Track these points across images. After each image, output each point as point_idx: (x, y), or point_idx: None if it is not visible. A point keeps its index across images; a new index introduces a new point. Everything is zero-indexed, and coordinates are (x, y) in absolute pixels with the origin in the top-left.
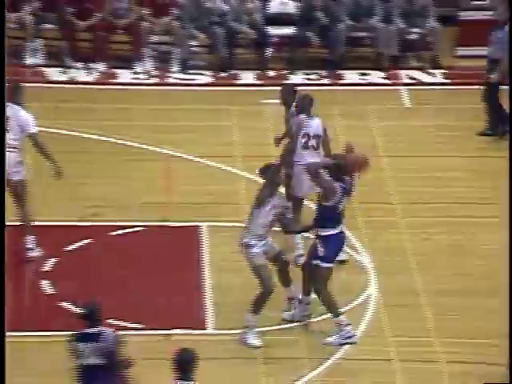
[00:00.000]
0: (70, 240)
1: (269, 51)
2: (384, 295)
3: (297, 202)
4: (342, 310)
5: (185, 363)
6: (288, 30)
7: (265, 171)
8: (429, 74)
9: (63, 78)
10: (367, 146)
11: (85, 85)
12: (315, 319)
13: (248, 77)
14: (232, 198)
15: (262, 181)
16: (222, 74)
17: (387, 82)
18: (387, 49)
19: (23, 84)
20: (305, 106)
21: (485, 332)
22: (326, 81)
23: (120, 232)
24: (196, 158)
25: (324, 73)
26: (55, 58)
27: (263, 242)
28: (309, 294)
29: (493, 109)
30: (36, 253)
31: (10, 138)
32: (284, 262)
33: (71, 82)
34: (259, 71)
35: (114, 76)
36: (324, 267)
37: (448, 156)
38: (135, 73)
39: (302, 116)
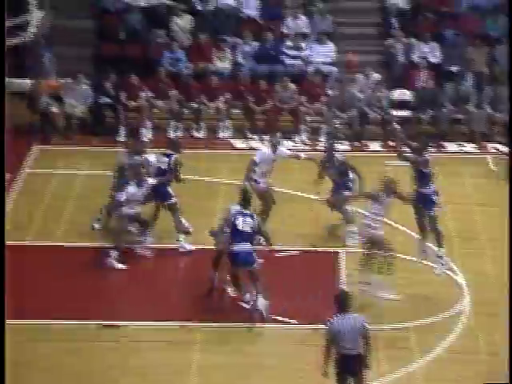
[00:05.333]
0: None
1: (391, 127)
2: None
3: None
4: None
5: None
6: (405, 112)
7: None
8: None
9: (244, 145)
10: (463, 196)
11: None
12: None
13: (375, 146)
14: None
15: None
16: (356, 143)
17: (478, 151)
18: (478, 127)
19: (217, 151)
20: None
21: None
22: (432, 149)
23: (282, 254)
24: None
25: (432, 143)
26: (239, 132)
27: None
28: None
29: None
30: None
31: None
32: None
33: (250, 148)
34: (384, 142)
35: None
36: None
37: None
38: (294, 142)
39: None
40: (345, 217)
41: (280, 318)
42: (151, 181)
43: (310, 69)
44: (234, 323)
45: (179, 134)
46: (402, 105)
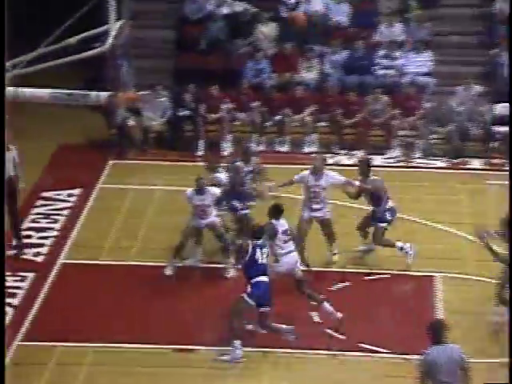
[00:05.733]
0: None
1: (494, 144)
2: None
3: None
4: None
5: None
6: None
7: None
8: None
9: (331, 161)
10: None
11: (347, 167)
12: None
13: (476, 163)
14: (458, 253)
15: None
16: (455, 160)
17: None
18: None
19: (301, 166)
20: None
21: None
22: None
23: (372, 277)
24: (433, 224)
25: None
26: (325, 147)
27: None
28: None
29: None
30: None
31: None
32: None
33: (337, 164)
34: (485, 159)
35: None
36: None
37: None
38: (386, 158)
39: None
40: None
41: (367, 346)
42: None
43: (405, 80)
44: (317, 350)
45: (261, 147)
46: (505, 120)
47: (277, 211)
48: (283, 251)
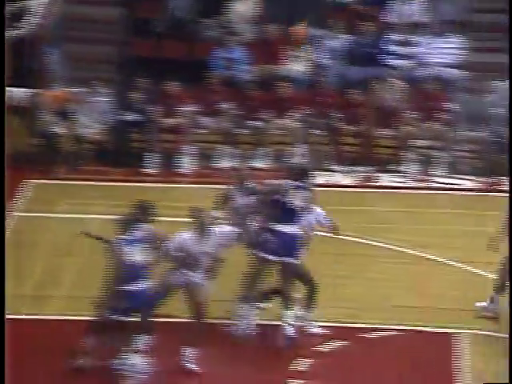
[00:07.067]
0: (326, 340)
1: None
2: None
3: None
4: None
5: None
6: None
7: None
8: None
9: (323, 181)
10: None
11: (347, 188)
12: None
13: None
14: None
15: None
16: (490, 180)
17: None
18: None
19: None
20: None
21: None
22: None
23: (374, 335)
24: (454, 263)
25: None
26: (319, 162)
27: None
28: None
29: None
30: None
31: None
32: None
33: (333, 185)
34: None
35: (375, 179)
36: None
37: None
38: (397, 176)
39: None
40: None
41: None
42: None
43: (425, 72)
44: None
45: (234, 163)
46: None
47: None
48: None
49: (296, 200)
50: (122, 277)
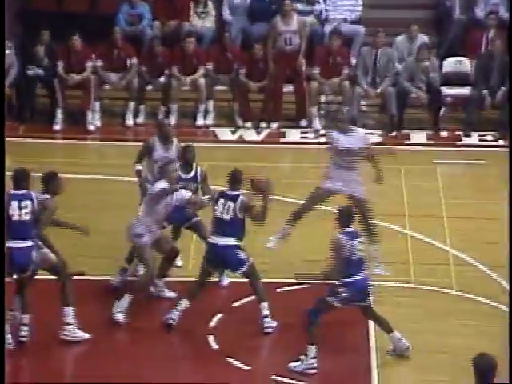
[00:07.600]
0: (236, 297)
1: (442, 111)
2: None
3: None
4: None
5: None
6: (463, 90)
7: None
8: None
9: (232, 137)
10: None
11: (254, 144)
12: None
13: (420, 137)
14: (400, 256)
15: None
16: (393, 134)
17: None
18: None
19: (194, 144)
20: None
21: None
22: (501, 142)
23: (287, 289)
24: None
25: (498, 134)
26: (226, 118)
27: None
28: None
29: None
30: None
31: None
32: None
33: (241, 141)
34: (432, 132)
35: (282, 135)
36: None
37: None
38: (303, 132)
39: None
40: None
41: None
42: None
43: (327, 29)
44: None
45: (141, 119)
46: (458, 79)
47: None
48: None
49: None
50: None
